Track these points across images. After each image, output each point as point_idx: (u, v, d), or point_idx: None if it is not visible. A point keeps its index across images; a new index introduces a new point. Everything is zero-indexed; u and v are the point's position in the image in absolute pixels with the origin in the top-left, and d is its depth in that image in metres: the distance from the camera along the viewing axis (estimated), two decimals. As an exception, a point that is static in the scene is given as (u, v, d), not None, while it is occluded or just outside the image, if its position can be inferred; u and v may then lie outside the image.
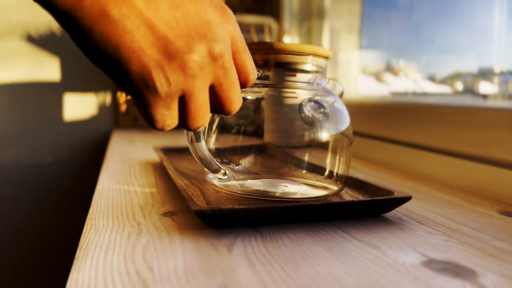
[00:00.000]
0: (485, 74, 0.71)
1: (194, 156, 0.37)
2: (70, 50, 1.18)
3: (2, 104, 1.15)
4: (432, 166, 0.56)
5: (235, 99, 0.29)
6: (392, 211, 0.38)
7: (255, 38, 1.02)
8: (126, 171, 0.55)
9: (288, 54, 0.40)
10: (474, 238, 0.32)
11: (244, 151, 0.42)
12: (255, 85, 0.43)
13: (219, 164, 0.38)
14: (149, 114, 0.27)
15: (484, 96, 0.74)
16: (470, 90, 0.76)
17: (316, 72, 0.42)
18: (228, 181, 0.40)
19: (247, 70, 0.30)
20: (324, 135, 0.41)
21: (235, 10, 1.18)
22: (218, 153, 0.42)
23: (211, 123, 0.42)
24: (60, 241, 1.18)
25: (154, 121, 0.27)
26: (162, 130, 0.28)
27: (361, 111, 0.74)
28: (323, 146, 0.41)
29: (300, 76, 0.42)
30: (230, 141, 0.42)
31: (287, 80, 0.42)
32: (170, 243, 0.30)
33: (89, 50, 0.25)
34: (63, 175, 1.19)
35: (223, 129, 0.42)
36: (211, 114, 0.30)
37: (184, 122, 0.28)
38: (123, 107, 1.19)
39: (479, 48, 0.71)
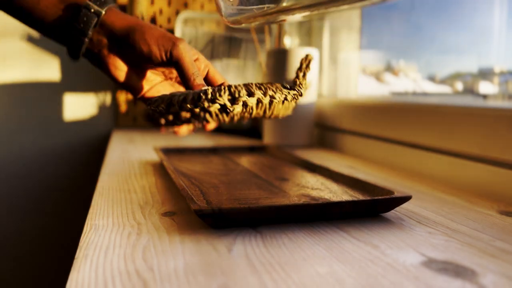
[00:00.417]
0: (485, 74, 0.71)
1: None
2: (70, 50, 1.17)
3: (2, 104, 1.15)
4: (432, 166, 0.56)
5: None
6: (392, 211, 0.38)
7: (255, 38, 1.02)
8: (126, 171, 0.55)
9: None
10: (474, 238, 0.32)
11: None
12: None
13: None
14: None
15: (484, 96, 0.74)
16: (470, 90, 0.76)
17: None
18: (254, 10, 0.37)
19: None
20: None
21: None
22: None
23: None
24: (60, 241, 1.18)
25: None
26: None
27: (361, 111, 0.74)
28: None
29: None
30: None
31: None
32: (170, 243, 0.30)
33: None
34: (63, 175, 1.19)
35: None
36: None
37: None
38: (123, 107, 1.19)
39: (479, 48, 0.71)
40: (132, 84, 0.48)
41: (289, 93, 0.37)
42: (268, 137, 0.83)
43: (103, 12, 0.43)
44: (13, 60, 1.14)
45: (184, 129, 0.43)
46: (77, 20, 0.43)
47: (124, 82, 0.47)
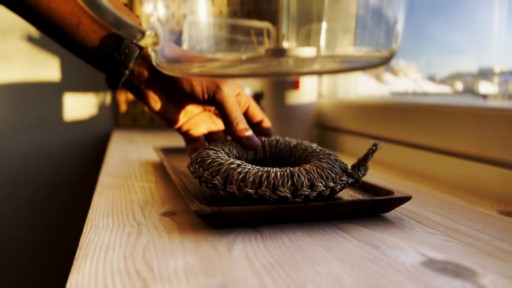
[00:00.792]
0: (485, 74, 0.71)
1: (88, 10, 0.24)
2: (70, 50, 1.17)
3: (2, 104, 1.15)
4: (432, 166, 0.56)
5: None
6: (392, 211, 0.38)
7: (255, 41, 1.02)
8: (126, 171, 0.55)
9: None
10: (474, 238, 0.32)
11: None
12: None
13: (134, 21, 0.24)
14: None
15: (484, 96, 0.74)
16: (470, 90, 0.76)
17: None
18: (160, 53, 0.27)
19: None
20: None
21: (235, 14, 1.18)
22: None
23: None
24: (60, 241, 1.18)
25: None
26: None
27: (361, 111, 0.74)
28: None
29: None
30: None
31: None
32: (170, 243, 0.30)
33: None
34: (63, 175, 1.19)
35: None
36: None
37: None
38: (123, 107, 1.19)
39: (479, 48, 0.71)
40: (170, 117, 0.47)
41: (348, 182, 0.37)
42: None
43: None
44: (13, 60, 1.14)
45: None
46: (118, 51, 0.41)
47: (162, 113, 0.46)
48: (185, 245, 0.30)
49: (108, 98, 1.22)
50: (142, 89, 0.45)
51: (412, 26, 0.88)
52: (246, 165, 0.36)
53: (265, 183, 0.34)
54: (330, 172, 0.36)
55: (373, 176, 0.56)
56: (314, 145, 0.43)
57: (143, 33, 0.25)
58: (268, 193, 0.33)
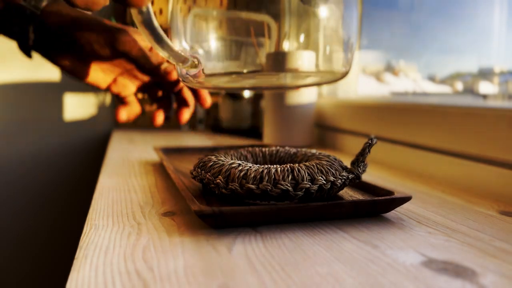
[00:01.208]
0: (485, 74, 0.71)
1: (150, 43, 0.30)
2: (70, 50, 1.17)
3: (2, 104, 1.15)
4: (432, 166, 0.56)
5: None
6: (392, 211, 0.38)
7: (254, 41, 1.02)
8: (126, 171, 0.55)
9: None
10: (474, 238, 0.32)
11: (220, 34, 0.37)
12: None
13: (183, 51, 0.30)
14: None
15: (484, 96, 0.74)
16: (470, 90, 0.76)
17: None
18: (201, 75, 0.33)
19: None
20: (321, 9, 0.36)
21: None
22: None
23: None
24: (60, 241, 1.18)
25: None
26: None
27: (361, 111, 0.74)
28: (319, 21, 0.36)
29: None
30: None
31: None
32: (170, 243, 0.30)
33: None
34: (63, 175, 1.19)
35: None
36: None
37: None
38: (123, 107, 1.19)
39: (479, 48, 0.71)
40: (92, 80, 0.46)
41: (348, 177, 0.37)
42: (268, 137, 0.83)
43: (39, 13, 0.41)
44: (13, 60, 1.14)
45: None
46: (12, 20, 0.41)
47: (81, 76, 0.46)
48: (185, 245, 0.30)
49: (108, 98, 1.22)
50: (53, 55, 0.45)
51: (412, 26, 0.88)
52: (246, 164, 0.37)
53: (266, 178, 0.34)
54: (330, 168, 0.36)
55: (373, 176, 0.56)
56: (314, 150, 0.44)
57: (187, 60, 0.31)
58: (269, 187, 0.34)
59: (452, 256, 0.29)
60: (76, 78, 0.47)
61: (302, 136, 0.80)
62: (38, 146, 1.17)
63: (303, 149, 0.44)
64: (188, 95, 0.50)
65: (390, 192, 0.38)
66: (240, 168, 0.36)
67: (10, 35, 0.44)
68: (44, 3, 0.42)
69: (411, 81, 0.90)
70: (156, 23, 0.29)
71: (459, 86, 0.78)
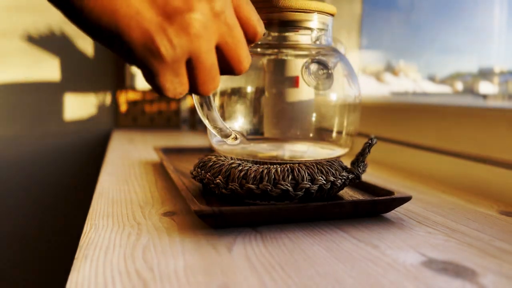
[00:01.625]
0: (485, 74, 0.71)
1: (205, 122, 0.34)
2: (70, 50, 1.18)
3: (2, 104, 1.15)
4: (432, 166, 0.56)
5: (243, 57, 0.27)
6: (392, 211, 0.38)
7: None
8: (126, 171, 0.55)
9: (293, 11, 0.39)
10: (474, 238, 0.32)
11: (250, 114, 0.42)
12: (258, 45, 0.41)
13: (229, 128, 0.35)
14: (158, 83, 0.25)
15: (484, 96, 0.74)
16: (470, 90, 0.76)
17: (321, 30, 0.41)
18: (238, 146, 0.39)
19: (252, 23, 0.28)
20: (329, 96, 0.40)
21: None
22: (224, 118, 0.41)
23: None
24: (60, 241, 1.18)
25: (164, 90, 0.25)
26: (174, 98, 0.27)
27: (361, 111, 0.74)
28: (328, 106, 0.40)
29: (304, 35, 0.40)
30: (235, 105, 0.42)
31: (291, 39, 0.41)
32: (170, 243, 0.30)
33: (84, 24, 0.23)
34: (63, 175, 1.19)
35: (226, 93, 0.41)
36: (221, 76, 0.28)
37: (194, 87, 0.27)
38: (123, 107, 1.19)
39: (479, 48, 0.71)
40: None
41: (348, 177, 0.37)
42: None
43: None
44: (13, 60, 1.14)
45: None
46: None
47: None
48: (185, 245, 0.30)
49: (108, 98, 1.22)
50: None
51: (412, 26, 0.88)
52: (246, 163, 0.37)
53: (266, 178, 0.34)
54: (330, 168, 0.36)
55: (373, 176, 0.56)
56: None
57: (230, 135, 0.35)
58: (269, 187, 0.34)
59: (452, 256, 0.29)
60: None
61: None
62: (38, 146, 1.17)
63: None
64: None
65: (390, 192, 0.38)
66: (240, 168, 0.36)
67: None
68: None
69: (411, 81, 0.90)
70: (214, 105, 0.32)
71: (459, 86, 0.78)
